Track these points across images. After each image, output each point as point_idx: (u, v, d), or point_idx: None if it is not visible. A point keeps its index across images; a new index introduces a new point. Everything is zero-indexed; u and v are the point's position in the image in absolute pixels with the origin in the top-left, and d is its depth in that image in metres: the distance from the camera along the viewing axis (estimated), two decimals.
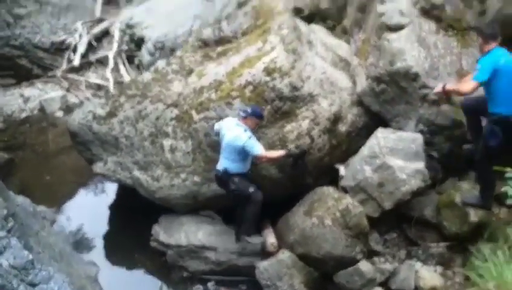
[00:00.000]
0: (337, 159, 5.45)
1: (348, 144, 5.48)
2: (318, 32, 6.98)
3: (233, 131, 4.72)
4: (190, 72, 6.09)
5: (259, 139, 4.86)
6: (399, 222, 5.21)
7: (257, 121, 4.84)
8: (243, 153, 4.73)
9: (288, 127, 5.06)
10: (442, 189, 5.12)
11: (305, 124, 5.07)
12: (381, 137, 4.91)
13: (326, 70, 5.69)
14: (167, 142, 5.33)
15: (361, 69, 5.54)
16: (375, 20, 5.38)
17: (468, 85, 4.18)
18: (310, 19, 7.74)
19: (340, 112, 5.44)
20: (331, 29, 7.13)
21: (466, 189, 4.80)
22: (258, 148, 4.66)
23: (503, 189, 3.45)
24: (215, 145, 5.07)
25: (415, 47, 4.92)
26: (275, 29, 5.86)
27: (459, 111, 4.79)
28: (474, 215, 4.56)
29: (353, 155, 5.26)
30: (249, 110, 4.76)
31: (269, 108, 5.02)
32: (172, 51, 8.57)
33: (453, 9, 5.03)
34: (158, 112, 5.53)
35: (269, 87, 5.02)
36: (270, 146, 4.97)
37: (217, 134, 4.96)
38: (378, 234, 5.15)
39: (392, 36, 5.01)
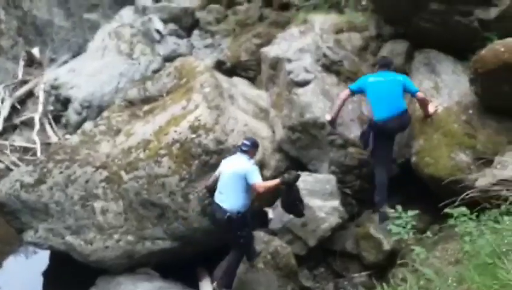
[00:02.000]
0: (265, 203, 5.86)
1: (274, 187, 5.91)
2: (239, 84, 7.57)
3: (237, 161, 4.83)
4: (118, 132, 6.31)
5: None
6: (325, 257, 5.65)
7: (256, 151, 5.07)
8: (245, 183, 4.70)
9: None
10: (359, 222, 5.67)
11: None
12: (300, 180, 5.39)
13: (248, 123, 6.20)
14: (98, 205, 5.44)
15: (278, 120, 6.11)
16: (284, 76, 6.03)
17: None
18: (232, 70, 8.37)
19: (264, 159, 5.91)
20: (252, 79, 7.78)
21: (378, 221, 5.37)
22: (258, 177, 4.70)
23: (388, 227, 3.99)
24: (145, 204, 5.27)
25: (320, 99, 5.59)
26: (198, 88, 6.30)
27: (363, 152, 5.44)
28: (387, 244, 5.10)
29: (279, 198, 5.69)
30: (249, 142, 4.93)
31: (197, 163, 5.35)
32: (100, 109, 8.71)
33: (350, 64, 5.79)
34: (87, 175, 5.64)
35: (195, 143, 5.38)
36: (200, 199, 5.27)
37: (216, 179, 4.96)
38: (307, 270, 5.53)
39: (300, 91, 5.68)
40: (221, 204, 4.74)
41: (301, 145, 5.75)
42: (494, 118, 4.89)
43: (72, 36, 12.49)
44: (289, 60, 6.02)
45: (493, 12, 5.29)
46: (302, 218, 5.21)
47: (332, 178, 5.40)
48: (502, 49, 4.48)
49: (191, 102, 6.03)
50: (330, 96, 5.70)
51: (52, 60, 11.74)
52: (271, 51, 6.53)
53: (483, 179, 4.11)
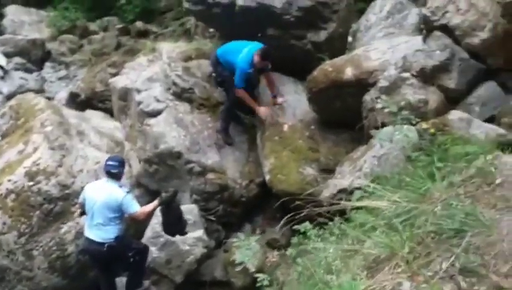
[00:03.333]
0: (141, 225, 5.43)
1: (135, 224, 5.56)
2: (93, 118, 7.06)
3: (107, 190, 4.32)
4: None
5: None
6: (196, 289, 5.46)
7: (123, 171, 4.58)
8: (119, 212, 4.30)
9: (65, 227, 4.89)
10: (227, 247, 5.62)
11: (82, 220, 4.96)
12: (160, 215, 5.16)
13: (100, 160, 5.73)
14: None
15: (133, 153, 5.82)
16: (135, 107, 5.78)
17: None
18: (87, 103, 7.81)
19: None
20: (110, 110, 7.32)
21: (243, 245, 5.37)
22: (135, 207, 4.30)
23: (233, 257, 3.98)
24: None
25: (173, 128, 5.47)
26: (38, 127, 5.69)
27: (222, 177, 5.44)
28: (252, 267, 5.11)
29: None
30: (116, 162, 4.44)
31: (38, 213, 4.77)
32: None
33: (201, 90, 5.80)
34: None
35: (34, 192, 4.80)
36: (46, 254, 4.68)
37: (83, 205, 4.49)
38: None
39: (152, 121, 5.49)
40: (94, 239, 4.34)
41: (160, 177, 5.53)
42: (332, 131, 5.32)
43: None
44: (138, 91, 5.80)
45: (323, 35, 5.80)
46: (165, 255, 4.96)
47: (194, 207, 5.28)
48: (330, 69, 4.89)
49: (29, 144, 5.41)
50: (184, 124, 5.62)
51: None
52: (119, 81, 6.24)
53: (327, 191, 4.38)
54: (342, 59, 4.97)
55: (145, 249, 4.74)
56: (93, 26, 11.68)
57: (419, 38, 4.83)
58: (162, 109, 5.59)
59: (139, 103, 5.66)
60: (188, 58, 6.33)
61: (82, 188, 5.17)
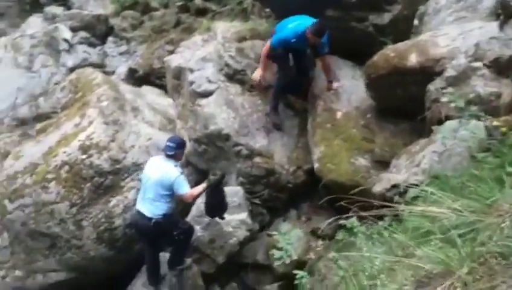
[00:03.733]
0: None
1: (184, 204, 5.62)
2: (149, 94, 7.16)
3: (163, 168, 4.42)
4: (6, 154, 5.68)
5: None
6: (238, 271, 5.45)
7: (183, 152, 4.66)
8: (170, 191, 4.39)
9: (114, 201, 5.01)
10: (271, 231, 5.53)
11: (131, 195, 5.07)
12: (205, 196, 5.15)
13: (152, 136, 5.82)
14: None
15: (184, 132, 5.82)
16: (187, 87, 5.76)
17: None
18: (145, 79, 7.94)
19: None
20: (166, 87, 7.37)
21: (286, 229, 5.25)
22: (185, 188, 4.36)
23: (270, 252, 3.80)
24: (33, 234, 4.74)
25: (224, 110, 5.39)
26: (94, 101, 5.83)
27: (269, 161, 5.32)
28: (294, 255, 4.99)
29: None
30: (174, 144, 4.49)
31: (89, 185, 4.91)
32: None
33: (253, 72, 5.63)
34: None
35: (86, 165, 4.93)
36: (95, 225, 4.83)
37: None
38: (219, 287, 5.30)
39: (203, 102, 5.44)
40: (144, 213, 4.42)
41: (209, 158, 5.51)
42: (390, 121, 4.98)
43: None
44: (191, 70, 5.76)
45: (387, 18, 5.41)
46: (209, 235, 4.96)
47: (240, 190, 5.22)
48: (392, 54, 4.54)
49: (85, 118, 5.56)
50: (234, 107, 5.52)
51: None
52: (174, 60, 6.23)
53: (379, 185, 4.11)
54: (406, 44, 4.59)
55: (190, 229, 4.76)
56: (154, 2, 11.81)
57: (495, 24, 4.34)
58: (214, 90, 5.52)
59: (191, 83, 5.62)
60: (242, 39, 6.18)
61: (133, 163, 5.30)
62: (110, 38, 10.79)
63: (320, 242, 5.24)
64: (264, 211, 5.52)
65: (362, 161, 4.75)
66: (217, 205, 4.80)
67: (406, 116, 4.84)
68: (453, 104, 3.82)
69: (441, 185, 3.09)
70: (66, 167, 4.92)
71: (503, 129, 3.12)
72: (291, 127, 5.65)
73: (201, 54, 5.97)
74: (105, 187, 4.98)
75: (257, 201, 5.39)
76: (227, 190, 5.22)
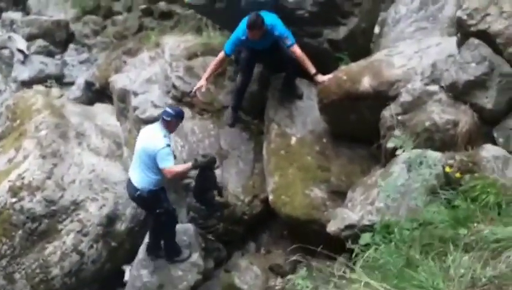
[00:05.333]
0: (121, 260, 5.13)
1: (131, 241, 5.22)
2: (100, 114, 6.67)
3: (151, 135, 4.16)
4: None
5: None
6: None
7: (178, 123, 4.36)
8: (155, 163, 4.09)
9: (50, 248, 4.56)
10: (228, 266, 5.16)
11: (69, 239, 4.63)
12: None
13: (96, 167, 5.40)
14: None
15: (130, 162, 5.36)
16: (132, 112, 5.32)
17: None
18: (101, 92, 7.41)
19: (116, 210, 5.17)
20: None
21: (244, 267, 4.91)
22: (168, 162, 4.02)
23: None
24: None
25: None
26: (32, 131, 5.37)
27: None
28: None
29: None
30: (173, 111, 4.23)
31: (21, 233, 4.46)
32: None
33: (203, 94, 5.22)
34: None
35: (16, 210, 4.47)
36: (28, 277, 4.38)
37: None
38: None
39: None
40: (132, 180, 4.25)
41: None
42: (347, 146, 4.67)
43: None
44: (135, 93, 5.32)
45: (342, 32, 5.06)
46: (157, 280, 4.56)
47: (190, 227, 4.82)
48: (344, 78, 4.21)
49: (20, 151, 5.10)
50: (183, 133, 5.11)
51: None
52: (119, 80, 5.78)
53: (334, 223, 3.79)
54: (359, 65, 4.25)
55: (173, 212, 4.49)
56: (117, 6, 11.27)
57: (454, 40, 4.02)
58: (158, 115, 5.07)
59: (135, 109, 5.18)
60: (192, 56, 5.76)
61: (72, 202, 4.86)
62: (71, 46, 10.25)
63: (279, 280, 4.92)
64: (220, 246, 5.14)
65: (318, 192, 4.41)
66: (202, 191, 4.52)
67: (362, 141, 4.53)
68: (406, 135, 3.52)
69: (389, 240, 2.79)
70: None
71: (458, 175, 2.80)
72: (247, 151, 5.28)
73: (146, 74, 5.54)
74: (40, 233, 4.54)
75: (211, 237, 5.00)
76: (178, 227, 4.82)
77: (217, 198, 4.67)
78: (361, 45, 5.36)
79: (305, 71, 4.65)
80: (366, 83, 4.06)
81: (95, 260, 4.78)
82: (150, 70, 5.58)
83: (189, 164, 4.26)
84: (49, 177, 4.81)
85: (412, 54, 4.20)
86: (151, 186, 4.19)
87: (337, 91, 4.18)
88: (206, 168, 4.33)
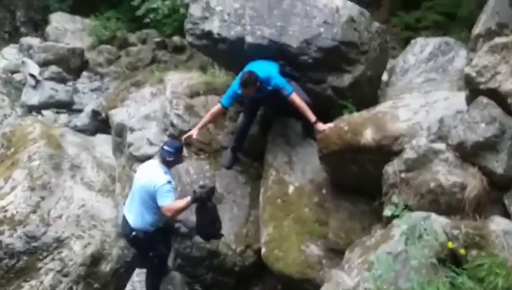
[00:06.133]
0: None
1: (117, 282, 4.93)
2: (101, 145, 6.55)
3: (151, 172, 4.00)
4: None
5: None
6: None
7: (180, 158, 4.24)
8: (155, 202, 3.93)
9: (26, 287, 4.31)
10: None
11: (48, 279, 4.38)
12: (137, 281, 4.48)
13: (86, 203, 5.21)
14: None
15: (121, 199, 5.17)
16: (127, 149, 5.15)
17: None
18: (106, 122, 7.28)
19: (102, 249, 4.92)
20: None
21: None
22: (166, 199, 3.83)
23: None
24: None
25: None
26: (24, 161, 5.23)
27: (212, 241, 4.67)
28: None
29: None
30: (173, 149, 4.04)
31: None
32: None
33: (202, 133, 5.04)
34: None
35: None
36: None
37: None
38: None
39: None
40: (128, 219, 4.11)
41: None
42: (348, 199, 4.39)
43: None
44: (132, 129, 5.18)
45: (347, 80, 4.89)
46: None
47: (176, 276, 4.55)
48: (346, 128, 4.00)
49: (9, 181, 4.93)
50: (177, 173, 4.89)
51: None
52: (118, 114, 5.66)
53: (328, 287, 3.49)
54: (362, 116, 4.05)
55: (166, 257, 4.43)
56: (132, 37, 11.48)
57: (463, 94, 3.82)
58: (154, 153, 4.90)
59: (130, 145, 5.01)
60: (195, 94, 5.63)
61: (55, 239, 4.64)
62: (84, 73, 10.35)
63: None
64: None
65: (314, 249, 4.13)
66: (209, 224, 4.21)
67: (365, 195, 4.27)
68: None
69: None
70: None
71: (462, 251, 2.52)
72: (243, 196, 5.04)
73: (145, 110, 5.41)
74: (17, 270, 4.31)
75: (198, 288, 4.70)
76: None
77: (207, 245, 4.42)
78: (367, 93, 5.18)
79: (305, 119, 4.47)
80: (368, 136, 3.84)
81: None
82: (150, 107, 5.46)
83: (188, 198, 3.99)
84: (34, 211, 4.63)
85: (418, 107, 4.01)
86: (148, 227, 4.05)
87: (337, 142, 3.96)
88: (206, 199, 4.08)
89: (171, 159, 4.03)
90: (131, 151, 4.97)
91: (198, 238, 4.60)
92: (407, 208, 3.54)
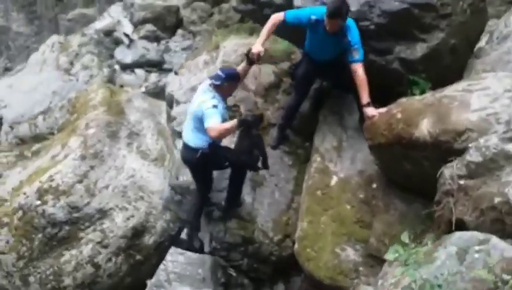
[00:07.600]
0: (146, 274, 4.87)
1: (159, 255, 4.92)
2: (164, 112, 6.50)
3: (200, 98, 4.05)
4: None
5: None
6: None
7: (235, 84, 4.19)
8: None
9: (66, 255, 4.45)
10: None
11: (87, 250, 4.48)
12: (170, 261, 4.37)
13: (136, 173, 5.19)
14: None
15: (168, 173, 5.06)
16: (171, 123, 4.95)
17: None
18: None
19: (147, 221, 4.91)
20: None
21: None
22: (212, 120, 3.80)
23: None
24: None
25: None
26: (81, 128, 5.34)
27: (247, 226, 4.33)
28: None
29: None
30: (223, 74, 4.02)
31: (40, 237, 4.40)
32: None
33: (248, 108, 4.63)
34: None
35: (39, 213, 4.43)
36: (42, 282, 4.34)
37: None
38: None
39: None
40: (189, 143, 4.11)
41: (185, 209, 4.70)
42: (401, 197, 3.69)
43: (33, 42, 11.74)
44: (177, 102, 4.94)
45: (420, 50, 3.98)
46: None
47: (208, 260, 4.33)
48: (399, 116, 3.24)
49: (65, 148, 5.07)
50: None
51: (6, 70, 11.06)
52: (171, 84, 5.45)
53: None
54: (421, 102, 3.23)
55: (241, 153, 4.18)
56: None
57: None
58: None
59: (173, 119, 4.79)
60: None
61: (98, 210, 4.70)
62: (179, 32, 10.39)
63: None
64: (245, 282, 4.56)
65: (350, 253, 3.56)
66: (244, 151, 4.14)
67: (422, 196, 3.50)
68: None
69: None
70: (20, 213, 4.47)
71: None
72: (287, 180, 4.58)
73: (194, 81, 5.10)
74: (59, 239, 4.45)
75: (232, 272, 4.45)
76: (194, 257, 4.37)
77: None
78: (448, 67, 4.19)
79: (357, 97, 3.75)
80: (424, 127, 3.05)
81: (112, 274, 4.58)
82: (199, 77, 5.13)
83: (234, 121, 3.86)
84: (80, 181, 4.70)
85: (500, 92, 3.05)
86: (210, 141, 3.96)
87: (385, 133, 3.24)
88: (252, 124, 3.90)
89: (218, 83, 3.94)
90: (174, 126, 4.75)
91: (231, 224, 4.32)
92: (462, 224, 2.76)
